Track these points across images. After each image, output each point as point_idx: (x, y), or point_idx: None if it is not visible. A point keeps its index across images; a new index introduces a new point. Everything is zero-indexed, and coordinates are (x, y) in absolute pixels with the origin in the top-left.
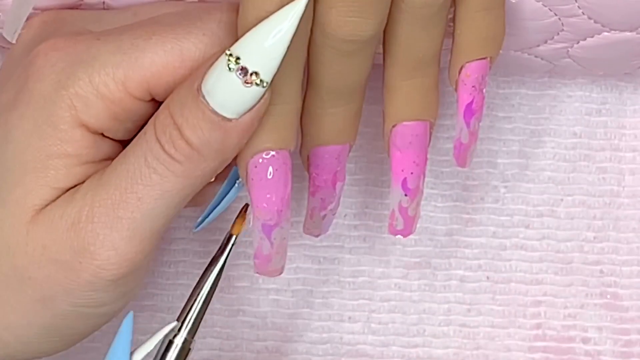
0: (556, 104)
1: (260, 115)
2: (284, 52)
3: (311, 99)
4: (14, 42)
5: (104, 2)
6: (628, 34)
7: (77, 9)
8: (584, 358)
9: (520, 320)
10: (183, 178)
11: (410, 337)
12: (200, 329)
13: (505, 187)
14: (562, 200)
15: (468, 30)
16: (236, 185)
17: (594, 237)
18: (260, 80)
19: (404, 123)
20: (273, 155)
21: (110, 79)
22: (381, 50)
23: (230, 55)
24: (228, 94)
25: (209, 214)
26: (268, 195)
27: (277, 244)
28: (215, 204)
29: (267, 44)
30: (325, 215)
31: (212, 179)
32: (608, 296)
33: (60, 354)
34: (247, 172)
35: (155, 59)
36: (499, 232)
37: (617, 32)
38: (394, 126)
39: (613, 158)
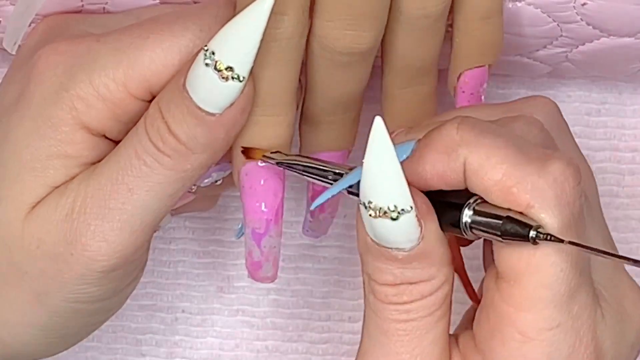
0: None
1: (243, 109)
2: (256, 46)
3: (309, 106)
4: (13, 53)
5: (104, 9)
6: (627, 39)
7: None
8: None
9: None
10: (173, 171)
11: None
12: (200, 328)
13: None
14: None
15: (466, 39)
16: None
17: None
18: (237, 75)
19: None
20: (264, 165)
21: (111, 80)
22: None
23: (207, 50)
24: (208, 89)
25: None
26: (257, 204)
27: (267, 251)
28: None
29: (238, 38)
30: (324, 218)
31: (220, 182)
32: None
33: (61, 353)
34: (240, 179)
35: (154, 58)
36: None
37: (615, 37)
38: (392, 133)
39: (612, 158)
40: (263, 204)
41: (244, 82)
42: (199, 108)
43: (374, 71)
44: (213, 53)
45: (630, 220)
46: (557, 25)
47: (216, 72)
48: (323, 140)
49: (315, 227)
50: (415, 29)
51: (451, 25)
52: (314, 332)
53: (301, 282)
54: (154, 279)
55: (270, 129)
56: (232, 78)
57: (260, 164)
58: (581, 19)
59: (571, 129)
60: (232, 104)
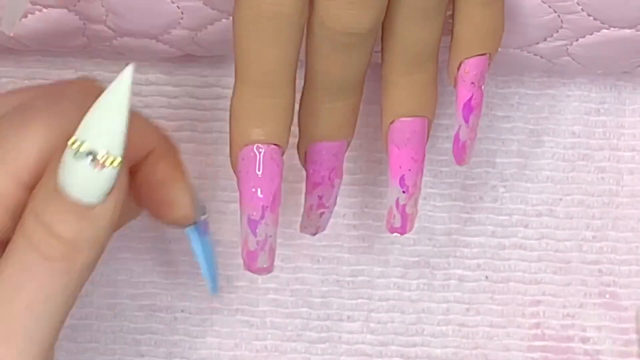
0: (555, 104)
1: (124, 192)
2: (126, 125)
3: (309, 93)
4: (11, 34)
5: (102, 6)
6: (627, 31)
7: (74, 5)
8: (583, 357)
9: (519, 320)
10: (64, 274)
11: (409, 337)
12: (199, 328)
13: (504, 186)
14: (561, 199)
15: (466, 26)
16: (203, 237)
17: (593, 237)
18: (113, 159)
19: (402, 119)
20: (261, 149)
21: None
22: (379, 48)
23: (75, 141)
24: (83, 181)
25: (210, 274)
26: (254, 189)
27: (262, 240)
28: (203, 261)
29: (107, 121)
30: (322, 213)
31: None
32: (607, 296)
33: (60, 354)
34: (236, 164)
35: (35, 142)
36: (497, 231)
37: (616, 29)
38: (391, 122)
39: (612, 157)
40: (259, 190)
41: (119, 165)
42: (78, 203)
43: (373, 67)
44: (83, 142)
45: (629, 220)
46: (558, 16)
47: (91, 161)
48: (322, 130)
49: (312, 224)
50: (416, 11)
51: (451, 16)
52: (313, 332)
53: (300, 281)
54: (154, 279)
55: (269, 112)
56: (108, 164)
57: (256, 149)
58: (582, 9)
59: (570, 128)
60: (111, 191)
